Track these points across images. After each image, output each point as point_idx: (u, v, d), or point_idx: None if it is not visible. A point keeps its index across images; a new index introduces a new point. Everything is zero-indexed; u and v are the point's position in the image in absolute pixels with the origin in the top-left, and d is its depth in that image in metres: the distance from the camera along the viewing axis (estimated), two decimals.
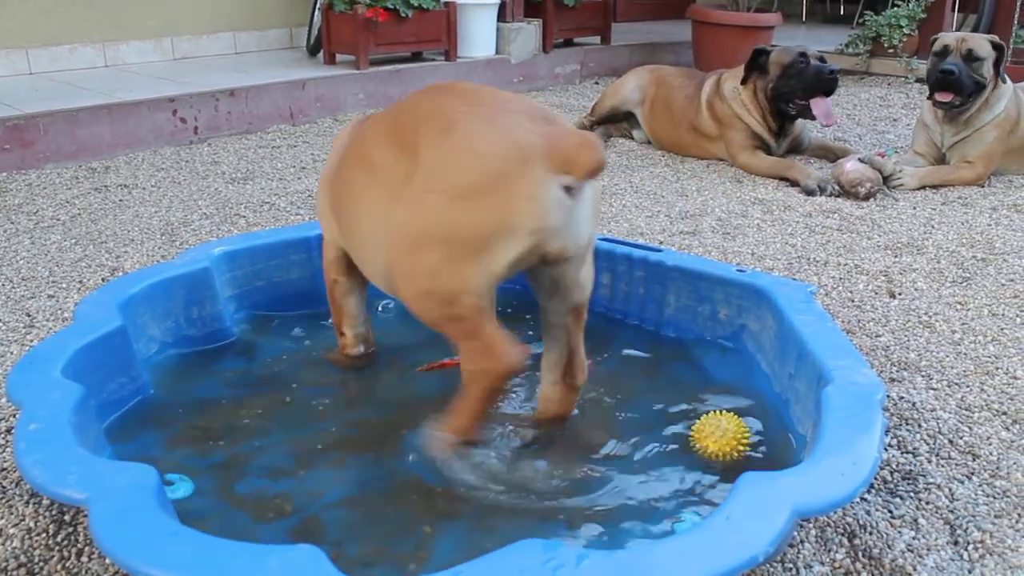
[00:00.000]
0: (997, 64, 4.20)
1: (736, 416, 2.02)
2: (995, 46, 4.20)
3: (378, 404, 2.22)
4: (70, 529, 1.78)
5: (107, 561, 1.68)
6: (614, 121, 5.15)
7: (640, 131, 5.07)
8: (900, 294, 2.97)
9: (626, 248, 2.56)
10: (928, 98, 4.31)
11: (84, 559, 1.70)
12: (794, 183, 4.22)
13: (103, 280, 3.01)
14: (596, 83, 7.08)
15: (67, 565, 1.68)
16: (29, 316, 2.74)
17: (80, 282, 3.01)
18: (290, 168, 4.43)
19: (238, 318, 2.56)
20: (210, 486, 1.85)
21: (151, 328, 2.31)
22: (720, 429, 1.98)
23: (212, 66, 6.04)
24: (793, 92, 4.42)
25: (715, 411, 2.04)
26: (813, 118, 4.46)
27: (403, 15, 5.90)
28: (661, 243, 3.36)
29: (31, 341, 2.58)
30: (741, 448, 1.97)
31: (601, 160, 1.63)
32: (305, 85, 5.51)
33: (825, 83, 4.38)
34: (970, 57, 4.16)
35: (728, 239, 3.46)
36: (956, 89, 4.17)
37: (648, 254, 2.52)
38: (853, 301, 2.90)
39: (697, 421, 2.04)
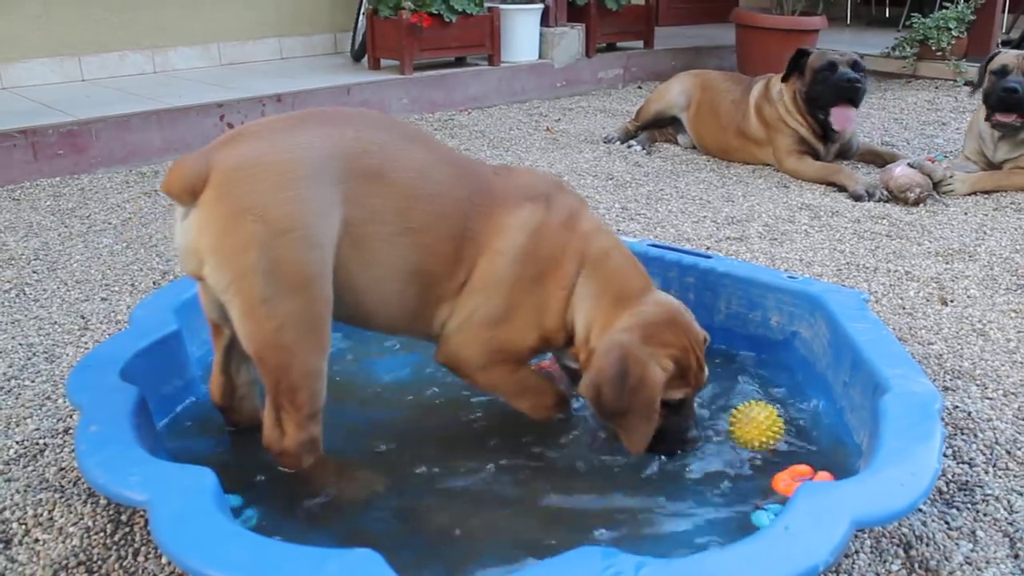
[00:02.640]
0: None
1: (770, 406, 2.04)
2: None
3: (423, 410, 2.22)
4: (127, 529, 1.80)
5: (163, 561, 1.71)
6: (659, 126, 5.12)
7: (685, 136, 5.05)
8: (952, 301, 2.92)
9: (676, 255, 2.55)
10: (987, 119, 4.22)
11: (140, 559, 1.72)
12: (842, 188, 4.17)
13: (155, 284, 3.05)
14: (639, 87, 7.06)
15: (124, 564, 1.71)
16: (83, 319, 2.79)
17: (132, 285, 3.05)
18: None
19: None
20: (260, 489, 1.87)
21: (205, 332, 2.33)
22: (748, 418, 2.02)
23: (258, 71, 6.11)
24: (821, 98, 4.38)
25: (751, 401, 2.08)
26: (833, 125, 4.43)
27: (447, 20, 5.93)
28: (708, 249, 3.33)
29: (86, 343, 2.62)
30: (766, 439, 1.99)
31: (168, 185, 1.67)
32: (350, 90, 5.56)
33: (844, 92, 4.33)
34: None
35: (776, 245, 3.43)
36: (1019, 108, 4.09)
37: (699, 260, 2.50)
38: (904, 308, 2.86)
39: (733, 409, 2.08)
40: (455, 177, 1.87)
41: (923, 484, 1.50)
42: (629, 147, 4.97)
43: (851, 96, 4.34)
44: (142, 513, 1.83)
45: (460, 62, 6.35)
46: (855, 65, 4.38)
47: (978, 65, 4.60)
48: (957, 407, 2.26)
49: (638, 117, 5.18)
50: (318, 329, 1.73)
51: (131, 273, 3.16)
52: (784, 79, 4.52)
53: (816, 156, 4.50)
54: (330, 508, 1.80)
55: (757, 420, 2.00)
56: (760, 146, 4.63)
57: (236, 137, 1.74)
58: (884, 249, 3.40)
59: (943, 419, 2.17)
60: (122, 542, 1.77)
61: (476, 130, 5.42)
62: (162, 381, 2.09)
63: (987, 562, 1.71)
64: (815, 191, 4.20)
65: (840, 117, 4.36)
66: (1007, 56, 4.22)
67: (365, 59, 6.25)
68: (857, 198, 4.03)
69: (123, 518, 1.83)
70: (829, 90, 4.34)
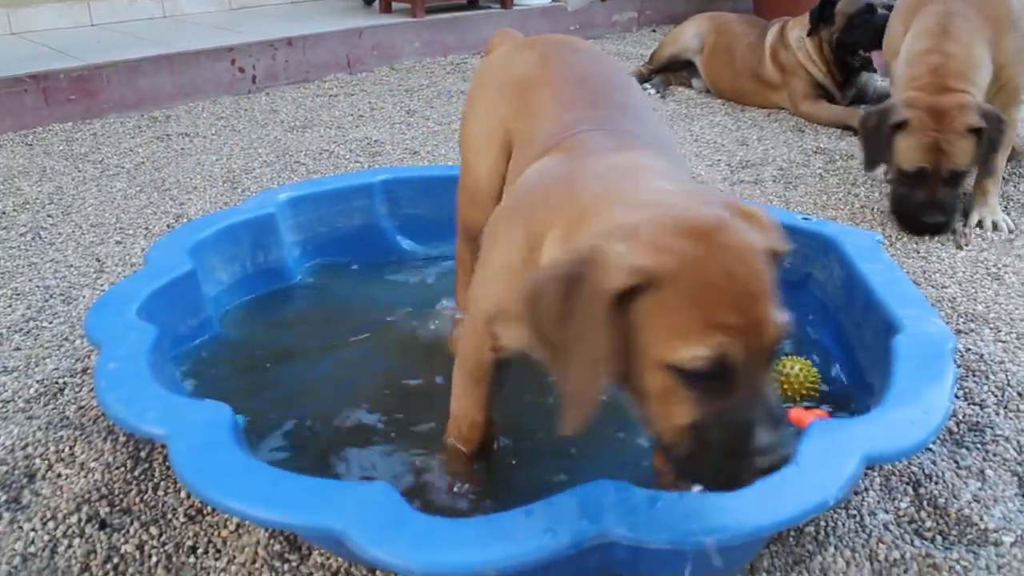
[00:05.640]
0: (995, 136, 2.89)
1: (805, 361, 2.03)
2: (987, 117, 2.86)
3: (435, 349, 2.23)
4: (146, 465, 1.84)
5: (182, 495, 1.74)
6: (673, 69, 5.06)
7: (699, 80, 4.99)
8: (967, 245, 2.91)
9: None
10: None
11: (160, 493, 1.76)
12: (857, 132, 4.12)
13: (168, 227, 3.06)
14: (653, 31, 6.96)
15: (145, 498, 1.74)
16: (99, 261, 2.81)
17: (146, 228, 3.07)
18: (348, 116, 4.45)
19: (301, 263, 2.60)
20: (270, 425, 1.90)
21: (219, 272, 2.36)
22: (783, 375, 2.01)
23: (269, 15, 6.05)
24: (857, 43, 4.31)
25: (782, 358, 2.06)
26: (875, 71, 4.35)
27: None
28: (721, 192, 3.31)
29: (102, 286, 2.64)
30: (805, 392, 1.99)
31: None
32: (362, 34, 5.51)
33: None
34: (953, 179, 2.95)
35: (790, 189, 3.41)
36: (943, 229, 3.01)
37: None
38: (919, 252, 2.85)
39: None
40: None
41: (934, 422, 1.51)
42: (643, 90, 4.92)
43: None
44: (161, 450, 1.86)
45: (472, 5, 6.27)
46: (890, 8, 4.30)
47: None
48: (970, 349, 2.26)
49: (652, 61, 5.12)
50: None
51: (145, 216, 3.17)
52: (811, 32, 4.42)
53: (831, 100, 4.45)
54: (339, 446, 1.84)
55: (793, 375, 2.00)
56: (775, 90, 4.58)
57: None
58: None
59: (955, 361, 2.18)
60: (142, 477, 1.80)
61: None
62: (178, 320, 2.11)
63: (995, 500, 1.72)
64: (831, 135, 4.15)
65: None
66: (921, 150, 2.91)
67: (376, 2, 6.18)
68: None
69: (142, 454, 1.87)
70: (869, 34, 4.23)
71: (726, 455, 1.14)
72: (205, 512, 1.70)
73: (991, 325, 2.39)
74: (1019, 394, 2.07)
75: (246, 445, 1.56)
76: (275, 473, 1.40)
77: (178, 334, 2.11)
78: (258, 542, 1.61)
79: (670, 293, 1.11)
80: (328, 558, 1.57)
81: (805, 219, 2.38)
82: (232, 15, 6.09)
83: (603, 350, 1.13)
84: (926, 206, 2.95)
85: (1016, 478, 1.78)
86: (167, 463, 1.80)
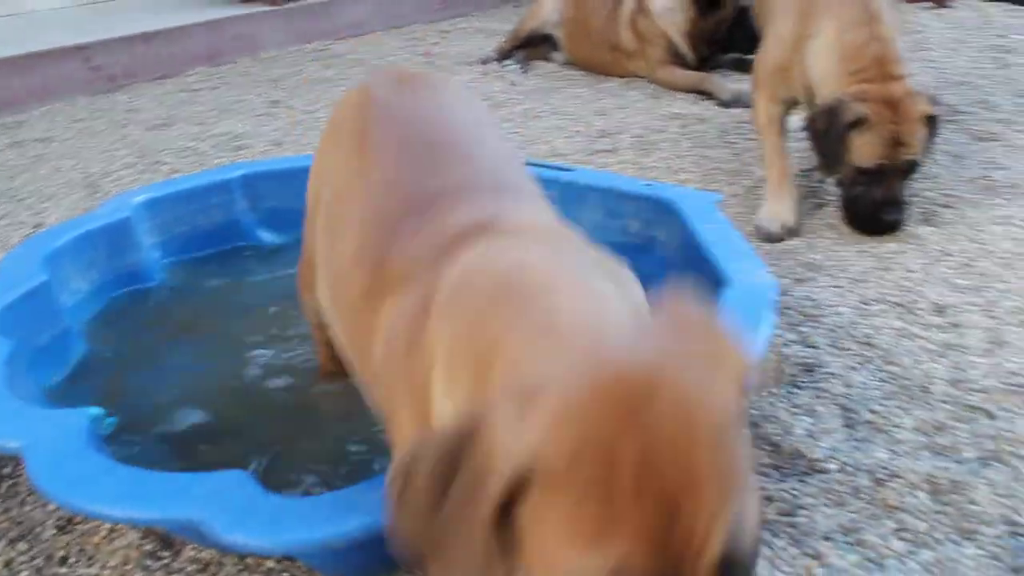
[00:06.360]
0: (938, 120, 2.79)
1: None
2: (933, 101, 2.76)
3: (303, 339, 2.28)
4: (11, 482, 1.84)
5: (49, 508, 1.75)
6: (534, 44, 5.15)
7: (560, 53, 5.09)
8: (808, 198, 3.09)
9: (537, 169, 2.62)
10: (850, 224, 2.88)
11: (27, 508, 1.77)
12: (710, 96, 4.29)
13: (26, 238, 3.00)
14: (516, 6, 7.04)
15: (11, 515, 1.76)
16: None
17: (2, 242, 3.00)
18: (211, 111, 4.39)
19: (162, 264, 2.60)
20: (139, 427, 1.93)
21: (76, 281, 2.34)
22: None
23: (123, 9, 5.88)
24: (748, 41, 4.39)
25: None
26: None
27: None
28: (580, 163, 3.42)
29: None
30: None
31: None
32: (223, 25, 5.42)
33: None
34: (908, 171, 2.78)
35: (644, 155, 3.54)
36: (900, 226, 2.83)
37: (559, 174, 2.59)
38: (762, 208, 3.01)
39: None
40: None
41: None
42: (504, 66, 5.00)
43: None
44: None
45: None
46: None
47: None
48: (806, 296, 2.43)
49: (514, 36, 5.20)
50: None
51: (0, 229, 3.10)
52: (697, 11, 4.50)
53: (685, 66, 4.59)
54: (203, 442, 1.89)
55: None
56: (632, 58, 4.70)
57: None
58: (749, 153, 3.53)
59: (792, 308, 2.35)
60: (8, 494, 1.81)
61: (353, 59, 5.37)
62: (35, 332, 2.09)
63: (824, 433, 1.88)
64: (686, 100, 4.31)
65: None
66: (883, 144, 2.70)
67: None
68: (725, 105, 4.15)
69: (6, 471, 1.87)
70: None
71: None
72: (75, 522, 1.72)
73: (827, 272, 2.57)
74: (849, 334, 2.24)
75: (104, 448, 1.59)
76: (132, 472, 1.44)
77: (36, 346, 2.09)
78: (130, 544, 1.65)
79: (564, 483, 0.79)
80: (200, 551, 1.62)
81: (647, 185, 2.50)
82: (83, 11, 5.90)
83: (479, 566, 0.83)
84: (885, 204, 2.77)
85: (842, 411, 1.95)
86: None
